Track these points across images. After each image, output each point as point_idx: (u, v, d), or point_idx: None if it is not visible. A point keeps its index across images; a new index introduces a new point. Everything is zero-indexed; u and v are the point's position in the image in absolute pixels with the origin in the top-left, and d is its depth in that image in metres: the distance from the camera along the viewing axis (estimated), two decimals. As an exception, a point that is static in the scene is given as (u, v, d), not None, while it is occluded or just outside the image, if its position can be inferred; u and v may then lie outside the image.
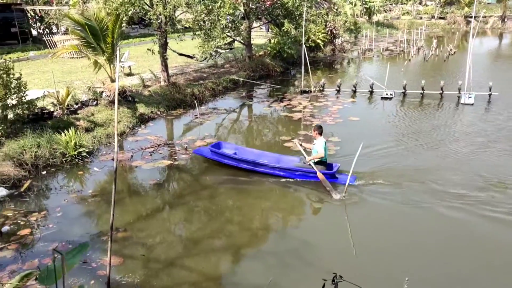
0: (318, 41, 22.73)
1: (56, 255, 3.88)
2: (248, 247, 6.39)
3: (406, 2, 46.67)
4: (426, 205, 7.26)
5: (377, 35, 30.02)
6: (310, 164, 8.16)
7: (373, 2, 37.16)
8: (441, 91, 14.60)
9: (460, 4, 43.12)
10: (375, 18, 37.70)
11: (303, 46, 15.86)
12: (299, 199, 7.86)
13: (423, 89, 14.77)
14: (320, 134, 8.35)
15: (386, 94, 14.79)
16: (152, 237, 6.52)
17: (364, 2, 36.63)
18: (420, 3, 47.82)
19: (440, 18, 43.14)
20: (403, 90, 14.99)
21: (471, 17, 31.36)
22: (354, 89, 15.49)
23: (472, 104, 13.61)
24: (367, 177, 8.21)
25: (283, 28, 17.41)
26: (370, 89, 15.29)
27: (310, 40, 21.91)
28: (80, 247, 3.95)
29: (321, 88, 15.77)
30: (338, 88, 15.61)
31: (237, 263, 6.03)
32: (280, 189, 8.08)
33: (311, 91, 15.57)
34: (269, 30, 21.10)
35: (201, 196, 7.81)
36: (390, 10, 44.84)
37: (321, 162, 8.23)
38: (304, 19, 16.30)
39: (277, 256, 6.05)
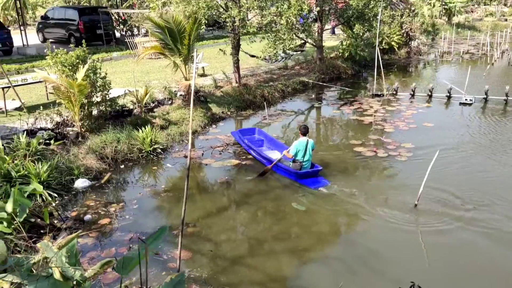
0: (393, 43, 21.98)
1: (135, 245, 4.14)
2: (313, 251, 6.35)
3: (489, 3, 43.71)
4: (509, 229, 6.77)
5: (457, 37, 28.37)
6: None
7: (453, 3, 35.22)
8: (528, 98, 13.52)
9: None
10: (455, 19, 35.70)
11: (377, 48, 15.43)
12: (370, 206, 7.66)
13: (507, 96, 13.76)
14: (303, 134, 8.42)
15: (466, 99, 13.97)
16: (219, 234, 6.70)
17: (443, 3, 34.85)
18: (505, 4, 44.55)
19: (528, 19, 39.95)
20: (485, 96, 14.06)
21: None
22: (430, 93, 14.80)
23: None
24: (439, 187, 7.82)
25: (354, 30, 17.07)
26: (448, 94, 14.53)
27: (384, 42, 21.27)
28: (160, 231, 4.13)
29: (394, 92, 15.25)
30: (412, 92, 15.01)
31: (302, 266, 6.02)
32: (348, 194, 7.93)
33: (383, 95, 15.11)
34: (335, 33, 20.64)
35: (267, 197, 7.89)
36: (472, 12, 42.22)
37: (297, 161, 8.43)
38: (378, 20, 15.86)
39: (343, 262, 5.96)
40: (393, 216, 7.13)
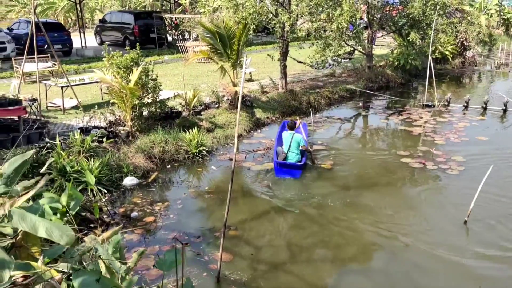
0: (446, 52, 21.26)
1: (175, 244, 4.25)
2: (355, 262, 6.25)
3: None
4: None
5: (516, 48, 27.03)
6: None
7: (512, 13, 33.63)
8: None
9: None
10: (514, 29, 34.05)
11: (429, 57, 14.98)
12: (417, 219, 7.44)
13: None
14: (290, 128, 9.25)
15: (523, 113, 13.28)
16: (260, 238, 6.73)
17: (502, 13, 33.31)
18: None
19: None
20: (545, 111, 13.31)
21: None
22: (484, 106, 14.18)
23: None
24: (492, 204, 7.47)
25: (408, 38, 16.64)
26: (504, 107, 13.85)
27: (437, 51, 20.60)
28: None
29: (446, 103, 14.73)
30: (465, 104, 14.44)
31: (342, 276, 5.93)
32: (395, 206, 7.75)
33: (434, 105, 14.63)
34: (375, 43, 19.96)
35: (310, 203, 7.84)
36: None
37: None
38: (432, 29, 15.40)
39: (386, 276, 5.83)
40: (441, 231, 6.89)
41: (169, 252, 3.96)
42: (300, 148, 9.11)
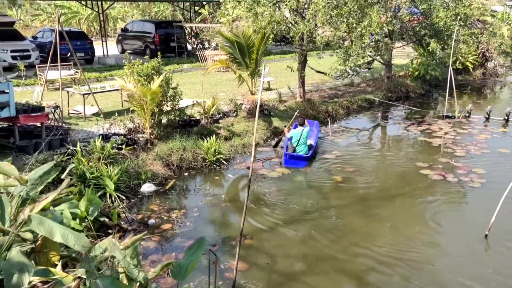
0: (467, 63, 20.96)
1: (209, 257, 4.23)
2: (372, 274, 6.15)
3: None
4: None
5: (540, 59, 26.49)
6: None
7: (536, 24, 32.96)
8: None
9: None
10: (538, 40, 33.33)
11: (450, 68, 14.79)
12: (437, 232, 7.31)
13: None
14: (300, 125, 10.37)
15: (547, 126, 12.97)
16: (276, 248, 6.70)
17: (525, 24, 32.67)
18: None
19: None
20: None
21: None
22: (506, 117, 13.90)
23: None
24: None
25: (428, 49, 16.47)
26: (527, 119, 13.57)
27: (458, 62, 20.33)
28: (198, 243, 4.23)
29: (467, 114, 14.49)
30: (487, 116, 14.19)
31: (359, 289, 5.85)
32: (414, 219, 7.64)
33: (454, 116, 14.42)
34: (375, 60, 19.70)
35: (327, 214, 7.78)
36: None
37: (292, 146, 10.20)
38: (454, 39, 15.22)
39: (403, 289, 5.72)
40: (461, 244, 6.75)
41: (183, 261, 3.99)
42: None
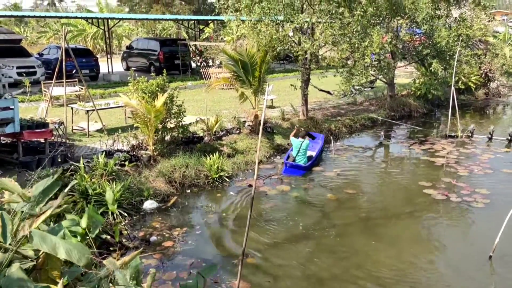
0: (470, 83, 21.05)
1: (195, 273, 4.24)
2: (375, 296, 6.07)
3: None
4: None
5: (542, 80, 26.60)
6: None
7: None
8: None
9: None
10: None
11: (452, 87, 14.86)
12: (440, 253, 7.23)
13: None
14: (302, 137, 11.08)
15: (551, 146, 12.93)
16: (278, 267, 6.64)
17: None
18: None
19: None
20: None
21: None
22: (509, 137, 13.88)
23: None
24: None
25: (430, 68, 16.57)
26: (531, 140, 13.54)
27: (460, 82, 20.43)
28: (210, 269, 4.23)
29: (470, 134, 14.48)
30: (490, 136, 14.17)
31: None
32: (416, 239, 7.57)
33: (457, 136, 14.41)
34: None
35: (329, 232, 7.72)
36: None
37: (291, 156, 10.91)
38: (456, 59, 15.32)
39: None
40: (464, 266, 6.67)
41: (184, 284, 3.96)
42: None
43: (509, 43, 30.52)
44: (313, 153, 11.40)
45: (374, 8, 13.39)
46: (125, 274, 3.71)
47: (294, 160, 10.76)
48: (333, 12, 12.41)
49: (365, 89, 17.82)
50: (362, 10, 12.44)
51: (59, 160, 8.98)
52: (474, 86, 21.47)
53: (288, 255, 7.06)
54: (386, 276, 6.48)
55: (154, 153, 9.93)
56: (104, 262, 3.91)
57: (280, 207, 8.82)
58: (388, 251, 7.15)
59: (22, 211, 3.84)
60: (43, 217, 3.97)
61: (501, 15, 57.05)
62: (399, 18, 15.23)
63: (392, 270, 6.62)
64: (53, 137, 9.93)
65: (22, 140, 9.08)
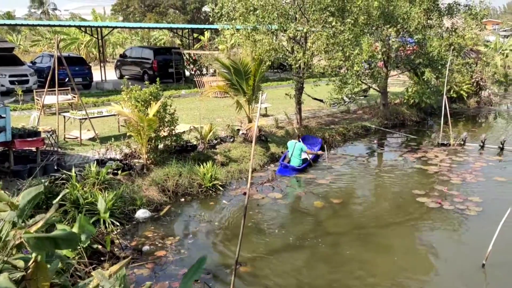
0: (462, 92, 21.23)
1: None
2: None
3: None
4: None
5: (533, 88, 26.93)
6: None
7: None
8: None
9: None
10: (531, 69, 33.90)
11: (444, 96, 14.97)
12: (434, 260, 7.23)
13: None
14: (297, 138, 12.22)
15: (543, 154, 13.03)
16: (271, 276, 6.59)
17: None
18: None
19: None
20: None
21: None
22: (501, 146, 13.97)
23: None
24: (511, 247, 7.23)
25: (423, 77, 16.70)
26: (522, 148, 13.64)
27: (452, 90, 20.60)
28: (199, 263, 4.15)
29: (462, 142, 14.57)
30: (482, 144, 14.26)
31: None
32: (410, 246, 7.56)
33: (449, 144, 14.49)
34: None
35: (323, 241, 7.69)
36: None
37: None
38: (447, 68, 15.46)
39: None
40: (457, 274, 6.66)
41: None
42: (304, 151, 11.58)
43: (500, 52, 30.88)
44: (308, 156, 11.87)
45: (366, 17, 13.51)
46: (114, 285, 3.67)
47: (289, 162, 11.38)
48: (326, 21, 12.50)
49: (359, 97, 17.90)
50: (353, 18, 12.54)
51: (51, 168, 8.90)
52: (466, 95, 21.65)
53: (282, 263, 7.02)
54: (380, 285, 6.46)
55: (147, 161, 9.88)
56: (93, 273, 3.86)
57: (272, 216, 8.79)
58: (382, 260, 7.14)
59: (10, 221, 3.79)
60: (35, 228, 3.92)
61: (492, 25, 57.85)
62: (389, 26, 15.34)
63: (386, 279, 6.60)
64: (45, 146, 9.86)
65: (14, 149, 9.00)
